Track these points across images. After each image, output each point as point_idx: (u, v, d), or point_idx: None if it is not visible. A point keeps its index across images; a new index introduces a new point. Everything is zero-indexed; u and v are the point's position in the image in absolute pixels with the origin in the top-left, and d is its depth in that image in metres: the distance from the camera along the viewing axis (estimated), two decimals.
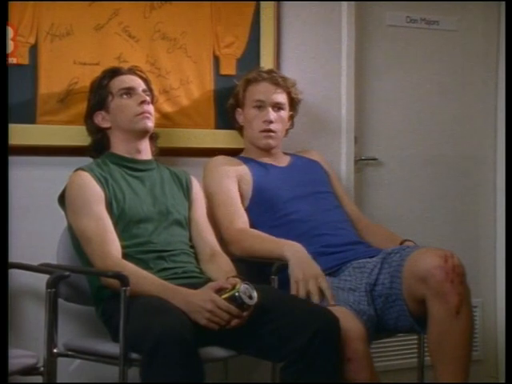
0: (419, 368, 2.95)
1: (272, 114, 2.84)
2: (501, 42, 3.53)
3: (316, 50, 3.19)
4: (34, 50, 2.69)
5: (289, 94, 2.90)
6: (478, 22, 3.57)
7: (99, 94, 2.62)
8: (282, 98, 2.87)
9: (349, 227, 2.85)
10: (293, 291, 2.49)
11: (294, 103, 2.93)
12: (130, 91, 2.61)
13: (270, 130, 2.85)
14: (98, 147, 2.65)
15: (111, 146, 2.64)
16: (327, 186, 2.94)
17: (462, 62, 3.55)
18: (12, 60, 2.65)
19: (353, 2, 3.23)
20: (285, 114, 2.89)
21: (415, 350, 2.99)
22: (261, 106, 2.86)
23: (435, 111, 3.50)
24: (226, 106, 2.95)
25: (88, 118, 2.65)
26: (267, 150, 2.89)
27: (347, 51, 3.22)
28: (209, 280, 2.48)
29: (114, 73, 2.64)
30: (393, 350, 3.35)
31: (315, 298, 2.46)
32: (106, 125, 2.62)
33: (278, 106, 2.86)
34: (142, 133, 2.61)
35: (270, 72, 2.90)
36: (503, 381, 2.96)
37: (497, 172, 3.58)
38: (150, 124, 2.61)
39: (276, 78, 2.87)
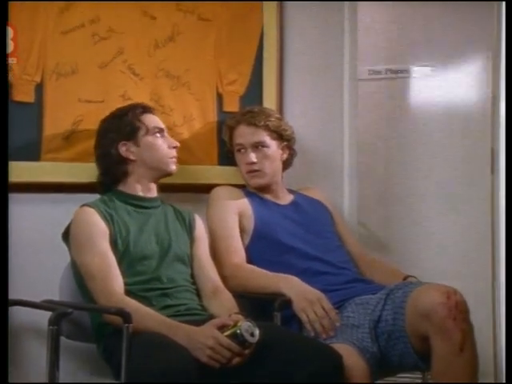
0: None
1: (252, 155, 2.85)
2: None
3: (319, 85, 3.22)
4: (39, 89, 2.71)
5: (268, 128, 2.88)
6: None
7: (131, 124, 2.60)
8: (260, 136, 2.86)
9: (351, 267, 2.84)
10: (303, 320, 2.51)
11: (280, 134, 2.90)
12: (161, 132, 2.64)
13: (254, 170, 2.87)
14: (115, 177, 2.61)
15: (125, 180, 2.63)
16: (329, 226, 2.94)
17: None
18: (17, 97, 2.66)
19: (357, 31, 3.24)
20: (270, 150, 2.87)
21: None
22: (241, 148, 2.88)
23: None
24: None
25: (111, 147, 2.59)
26: (264, 188, 2.90)
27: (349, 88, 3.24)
28: (211, 317, 2.47)
29: (144, 109, 2.66)
30: None
31: (324, 322, 2.48)
32: (131, 156, 2.61)
33: (259, 145, 2.86)
34: (166, 175, 2.65)
35: (245, 113, 2.89)
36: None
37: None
38: (175, 168, 2.65)
39: (250, 119, 2.86)
